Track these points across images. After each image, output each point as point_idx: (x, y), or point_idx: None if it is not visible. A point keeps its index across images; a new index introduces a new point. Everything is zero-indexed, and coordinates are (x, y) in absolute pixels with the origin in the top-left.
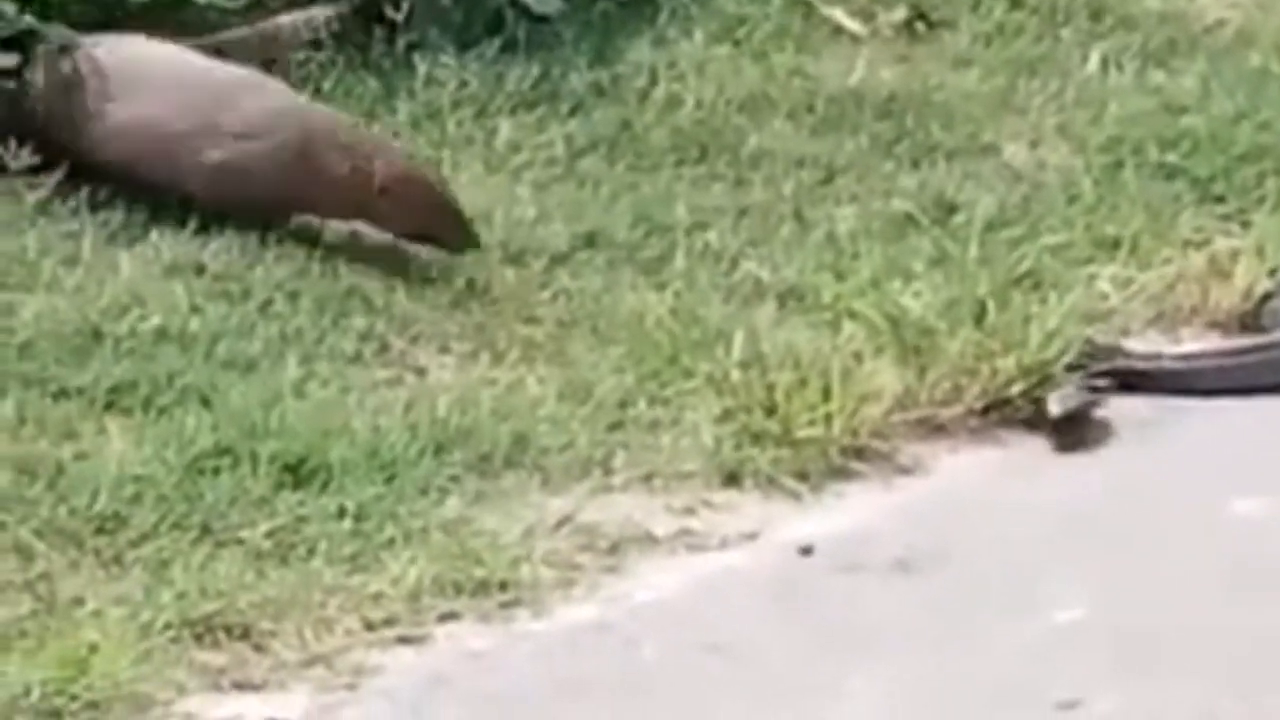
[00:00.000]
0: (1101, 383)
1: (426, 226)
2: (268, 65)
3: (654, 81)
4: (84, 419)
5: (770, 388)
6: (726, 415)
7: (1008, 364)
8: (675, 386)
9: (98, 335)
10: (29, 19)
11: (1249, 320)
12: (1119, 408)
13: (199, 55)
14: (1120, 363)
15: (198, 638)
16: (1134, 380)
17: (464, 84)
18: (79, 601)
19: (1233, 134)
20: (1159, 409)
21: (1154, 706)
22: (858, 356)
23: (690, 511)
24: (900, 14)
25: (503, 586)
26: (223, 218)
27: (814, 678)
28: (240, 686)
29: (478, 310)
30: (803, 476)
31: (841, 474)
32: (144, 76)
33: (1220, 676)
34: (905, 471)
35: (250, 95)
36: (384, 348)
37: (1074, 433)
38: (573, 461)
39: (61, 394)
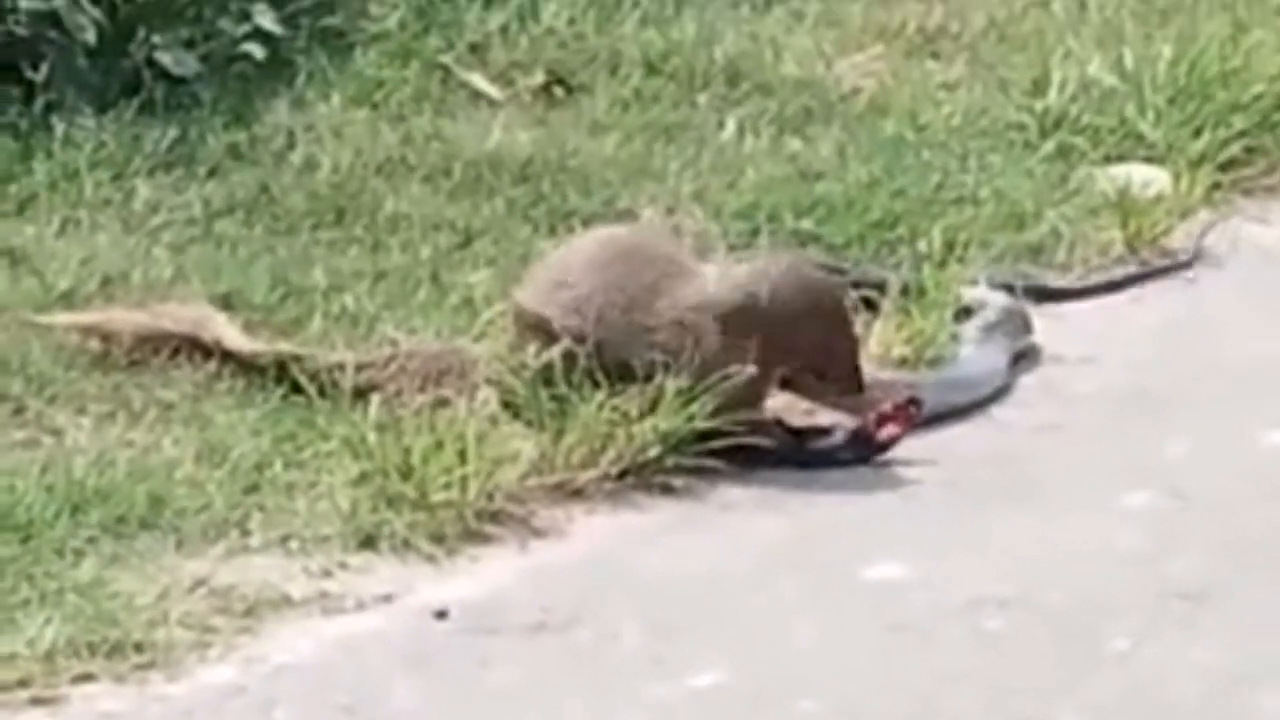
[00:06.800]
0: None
1: None
2: None
3: (291, 144)
4: None
5: (406, 451)
6: (363, 478)
7: (644, 429)
8: (312, 449)
9: None
10: None
11: None
12: (744, 478)
13: None
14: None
15: None
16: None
17: (102, 145)
18: None
19: (867, 200)
20: (783, 482)
21: None
22: (494, 420)
23: (326, 574)
24: (538, 79)
25: (138, 648)
26: None
27: None
28: None
29: (115, 371)
30: (439, 540)
31: (477, 538)
32: None
33: None
34: (541, 535)
35: None
36: (20, 409)
37: None
38: (209, 523)
39: None
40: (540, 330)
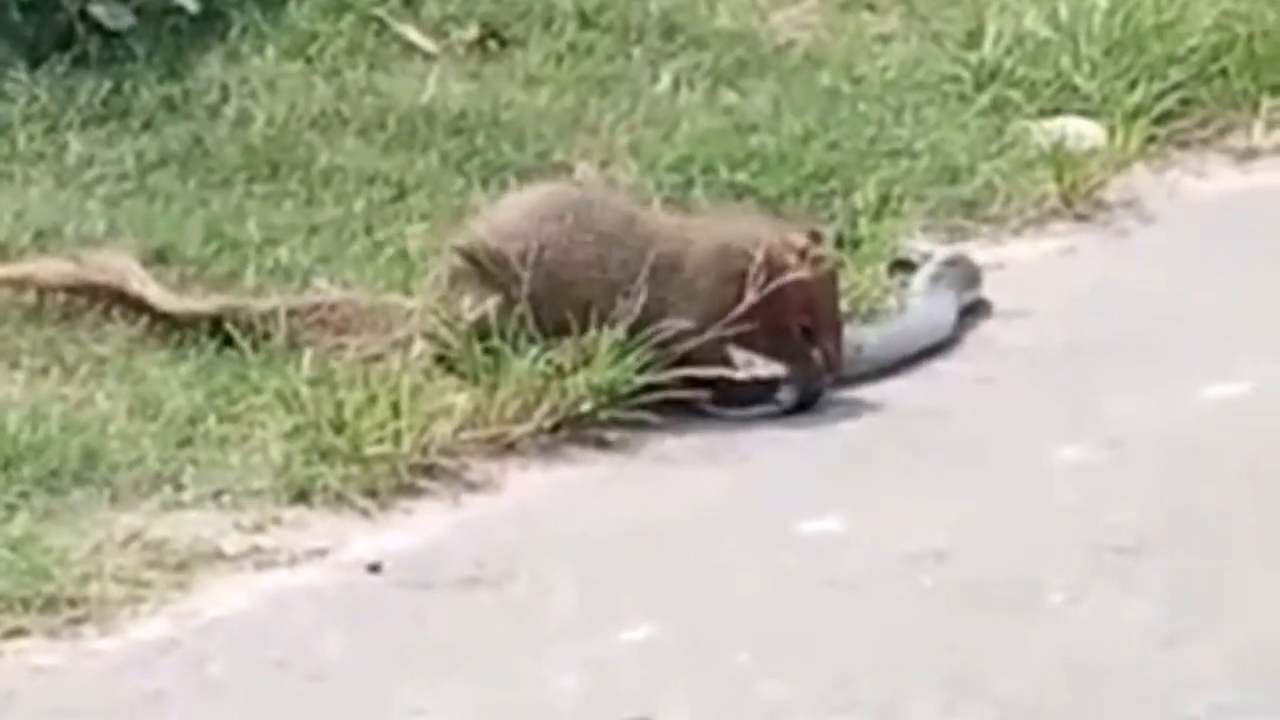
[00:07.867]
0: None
1: None
2: None
3: (225, 98)
4: None
5: (340, 405)
6: (296, 432)
7: (578, 382)
8: (245, 403)
9: None
10: None
11: None
12: (679, 431)
13: None
14: None
15: None
16: None
17: (34, 98)
18: None
19: (802, 154)
20: (719, 434)
21: None
22: (427, 374)
23: (259, 528)
24: (472, 32)
25: (71, 603)
26: None
27: (384, 694)
28: None
29: (47, 325)
30: (372, 493)
31: (411, 491)
32: None
33: (798, 694)
34: (475, 489)
35: None
36: None
37: None
38: (142, 478)
39: None
40: (491, 270)
